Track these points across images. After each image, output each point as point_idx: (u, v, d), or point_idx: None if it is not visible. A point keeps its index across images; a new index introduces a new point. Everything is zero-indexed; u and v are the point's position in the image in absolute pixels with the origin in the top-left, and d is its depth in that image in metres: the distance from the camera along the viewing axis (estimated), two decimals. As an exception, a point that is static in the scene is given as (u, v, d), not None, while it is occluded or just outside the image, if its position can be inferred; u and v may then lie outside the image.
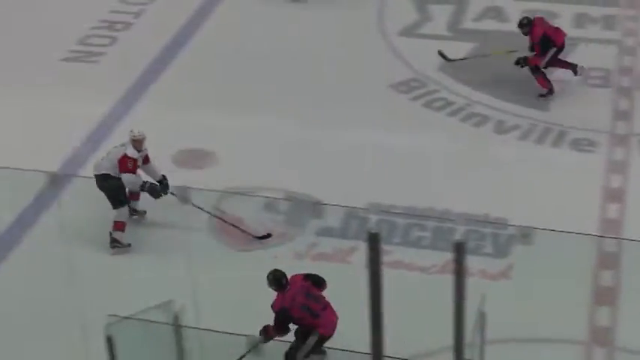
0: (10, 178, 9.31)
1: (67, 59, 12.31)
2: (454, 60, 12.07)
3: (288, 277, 7.65)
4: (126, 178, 8.88)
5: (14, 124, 10.96)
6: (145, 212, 9.40)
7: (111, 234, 8.96)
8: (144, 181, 9.00)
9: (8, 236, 9.23)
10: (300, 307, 7.60)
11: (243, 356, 7.54)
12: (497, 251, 8.97)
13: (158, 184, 9.14)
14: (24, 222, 9.34)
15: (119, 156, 8.88)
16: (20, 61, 12.28)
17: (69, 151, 10.36)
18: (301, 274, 7.83)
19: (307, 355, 7.68)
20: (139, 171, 8.99)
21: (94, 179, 8.93)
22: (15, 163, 9.39)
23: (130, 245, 8.99)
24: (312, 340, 7.56)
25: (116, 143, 9.22)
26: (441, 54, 12.11)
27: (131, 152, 8.90)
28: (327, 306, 7.70)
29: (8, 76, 11.89)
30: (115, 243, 8.96)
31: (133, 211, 9.26)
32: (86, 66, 12.20)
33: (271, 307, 7.54)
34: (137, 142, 8.98)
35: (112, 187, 8.90)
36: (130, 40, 12.80)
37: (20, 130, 10.84)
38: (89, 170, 9.14)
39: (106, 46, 12.64)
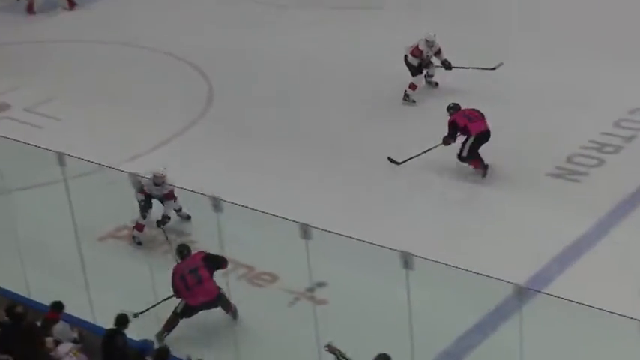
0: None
1: (552, 175, 12.95)
2: (403, 162, 13.29)
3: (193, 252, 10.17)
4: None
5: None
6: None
7: None
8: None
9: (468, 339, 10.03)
10: (179, 277, 10.02)
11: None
12: None
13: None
14: (484, 328, 10.06)
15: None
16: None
17: (535, 266, 10.89)
18: (203, 252, 10.15)
19: (179, 316, 10.06)
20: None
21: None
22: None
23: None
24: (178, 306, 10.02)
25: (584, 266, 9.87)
26: (390, 159, 13.44)
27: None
28: (203, 282, 9.99)
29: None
30: None
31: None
32: (568, 184, 12.72)
33: None
34: (157, 178, 11.57)
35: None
36: (617, 165, 13.10)
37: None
38: (553, 288, 9.78)
39: (592, 167, 13.07)
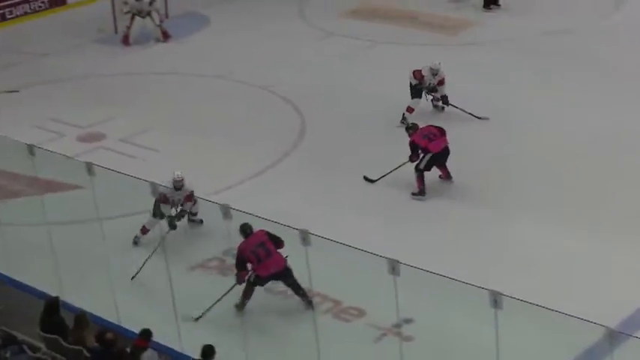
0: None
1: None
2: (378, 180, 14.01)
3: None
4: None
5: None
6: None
7: None
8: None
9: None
10: (250, 252, 10.96)
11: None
12: None
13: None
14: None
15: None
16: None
17: (626, 309, 10.72)
18: (264, 230, 11.13)
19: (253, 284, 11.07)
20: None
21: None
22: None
23: None
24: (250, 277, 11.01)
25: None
26: (365, 178, 14.14)
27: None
28: (272, 255, 11.01)
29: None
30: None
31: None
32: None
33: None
34: (176, 182, 12.43)
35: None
36: None
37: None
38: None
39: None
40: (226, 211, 9.68)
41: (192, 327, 10.73)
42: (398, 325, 10.12)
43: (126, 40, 21.34)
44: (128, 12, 21.21)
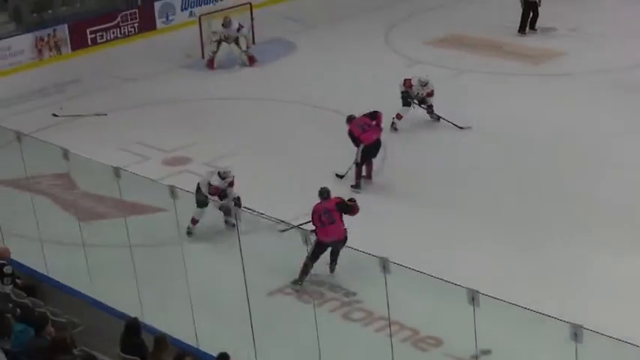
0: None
1: None
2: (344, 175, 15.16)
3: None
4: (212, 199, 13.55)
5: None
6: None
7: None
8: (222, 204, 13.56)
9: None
10: (318, 216, 12.32)
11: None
12: None
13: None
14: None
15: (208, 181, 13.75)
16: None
17: None
18: (339, 199, 12.58)
19: (312, 258, 12.04)
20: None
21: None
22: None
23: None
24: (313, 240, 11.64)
25: None
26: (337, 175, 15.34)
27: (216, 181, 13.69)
28: (335, 223, 12.26)
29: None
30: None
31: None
32: None
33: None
34: (224, 173, 13.78)
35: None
36: None
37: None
38: None
39: None
40: (307, 237, 9.76)
41: (269, 351, 10.79)
42: (475, 357, 10.03)
43: (211, 65, 21.70)
44: (216, 40, 21.59)
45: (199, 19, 22.77)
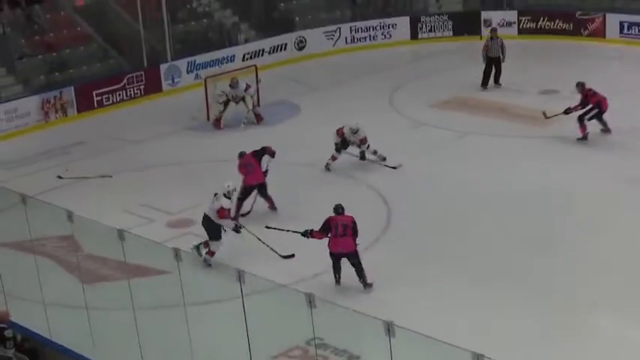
0: None
1: None
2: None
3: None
4: (224, 222, 14.88)
5: None
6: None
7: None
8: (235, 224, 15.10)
9: None
10: (335, 225, 13.84)
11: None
12: None
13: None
14: None
15: (216, 208, 14.77)
16: None
17: None
18: (352, 217, 13.96)
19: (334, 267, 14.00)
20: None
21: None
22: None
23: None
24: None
25: None
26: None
27: (225, 204, 14.92)
28: (346, 236, 13.79)
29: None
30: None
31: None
32: None
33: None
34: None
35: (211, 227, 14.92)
36: None
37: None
38: None
39: None
40: (311, 299, 9.73)
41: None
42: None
43: (218, 125, 21.87)
44: (223, 101, 21.77)
45: (205, 81, 22.99)
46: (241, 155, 16.92)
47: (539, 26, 27.92)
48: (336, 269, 14.04)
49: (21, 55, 24.60)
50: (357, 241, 13.99)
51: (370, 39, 28.37)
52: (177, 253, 10.79)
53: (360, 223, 16.04)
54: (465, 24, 28.43)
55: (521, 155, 19.04)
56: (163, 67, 25.27)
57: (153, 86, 24.91)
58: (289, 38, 27.59)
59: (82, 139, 21.87)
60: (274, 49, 27.14)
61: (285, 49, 27.44)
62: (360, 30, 28.38)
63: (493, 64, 23.30)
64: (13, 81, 23.95)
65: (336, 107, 22.51)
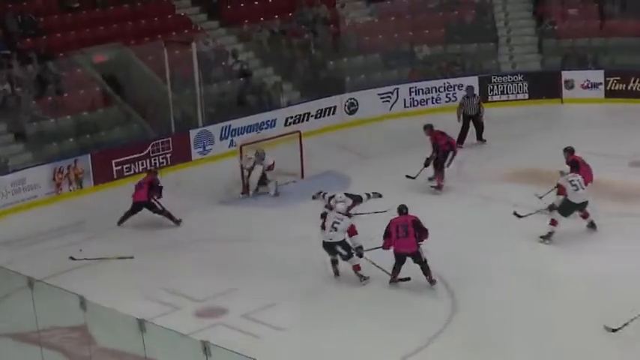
0: None
1: None
2: None
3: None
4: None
5: None
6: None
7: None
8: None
9: None
10: (395, 228, 16.75)
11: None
12: None
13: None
14: None
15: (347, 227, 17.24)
16: None
17: None
18: (415, 217, 16.86)
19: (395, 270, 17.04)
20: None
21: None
22: None
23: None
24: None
25: None
26: None
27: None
28: (408, 236, 16.66)
29: None
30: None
31: None
32: None
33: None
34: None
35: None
36: None
37: None
38: None
39: None
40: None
41: None
42: None
43: (246, 190, 22.37)
44: (250, 167, 22.09)
45: (240, 149, 23.05)
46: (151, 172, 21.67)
47: (629, 88, 27.88)
48: (396, 269, 16.95)
49: (32, 119, 24.94)
50: (421, 240, 16.68)
51: (433, 101, 28.52)
52: (206, 346, 10.72)
53: (420, 314, 16.12)
54: (543, 85, 28.52)
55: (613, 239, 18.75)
56: (193, 133, 25.51)
57: (181, 155, 25.12)
58: (339, 100, 27.83)
59: (99, 214, 21.97)
60: (321, 113, 27.37)
61: (333, 112, 27.67)
62: (420, 92, 28.55)
63: (471, 122, 25.11)
64: (22, 148, 24.24)
65: (391, 180, 22.40)
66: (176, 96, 26.25)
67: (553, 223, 18.47)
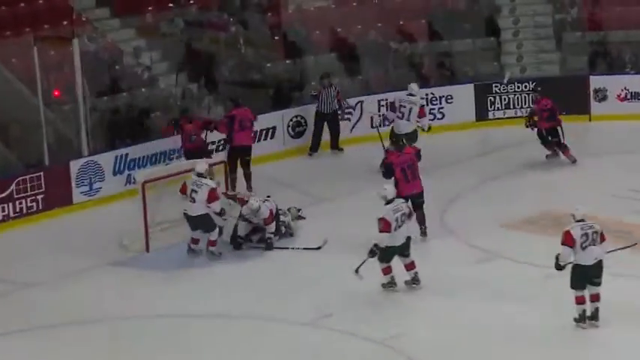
0: None
1: None
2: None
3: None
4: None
5: None
6: None
7: None
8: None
9: None
10: (401, 170, 20.73)
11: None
12: None
13: None
14: None
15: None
16: None
17: None
18: (415, 149, 21.54)
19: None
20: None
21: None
22: None
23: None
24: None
25: None
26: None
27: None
28: (417, 177, 20.94)
29: None
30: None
31: None
32: None
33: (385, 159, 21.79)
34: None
35: None
36: None
37: None
38: None
39: None
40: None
41: None
42: None
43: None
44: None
45: (142, 188, 22.61)
46: None
47: (682, 99, 28.07)
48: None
49: None
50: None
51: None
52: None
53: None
54: (564, 96, 28.16)
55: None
56: (75, 166, 25.28)
57: (58, 196, 24.92)
58: (279, 118, 27.96)
59: None
60: (256, 136, 27.08)
61: (272, 135, 27.84)
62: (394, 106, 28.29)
63: (326, 123, 26.26)
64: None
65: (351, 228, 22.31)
66: (51, 113, 25.99)
67: None
